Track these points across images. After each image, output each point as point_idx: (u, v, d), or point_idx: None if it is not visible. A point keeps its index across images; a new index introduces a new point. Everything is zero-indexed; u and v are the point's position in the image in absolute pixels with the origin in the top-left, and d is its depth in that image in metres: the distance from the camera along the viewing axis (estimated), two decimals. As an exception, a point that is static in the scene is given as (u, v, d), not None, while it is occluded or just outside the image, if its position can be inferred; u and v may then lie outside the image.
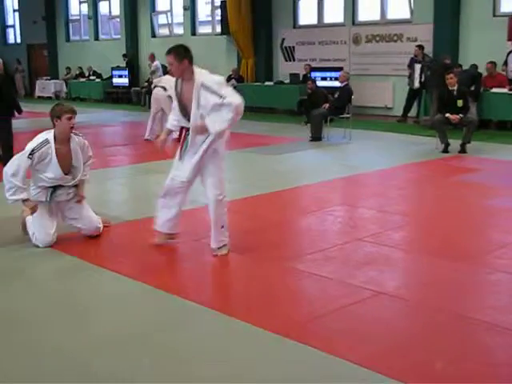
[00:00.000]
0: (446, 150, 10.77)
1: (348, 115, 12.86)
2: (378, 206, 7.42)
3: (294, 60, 18.89)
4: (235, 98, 5.26)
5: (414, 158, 10.49)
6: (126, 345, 3.99)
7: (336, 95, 13.09)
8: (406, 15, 16.35)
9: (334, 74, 16.25)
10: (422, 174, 9.53)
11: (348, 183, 8.91)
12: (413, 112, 15.56)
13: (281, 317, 4.36)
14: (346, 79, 13.03)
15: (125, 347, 3.96)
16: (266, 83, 18.42)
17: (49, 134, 5.83)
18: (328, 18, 18.25)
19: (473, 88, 13.35)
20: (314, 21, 18.54)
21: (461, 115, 10.81)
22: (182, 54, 5.40)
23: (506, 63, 13.96)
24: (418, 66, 14.95)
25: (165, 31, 22.94)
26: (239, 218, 7.24)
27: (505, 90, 13.37)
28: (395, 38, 16.44)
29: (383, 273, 5.22)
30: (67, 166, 5.94)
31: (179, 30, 22.19)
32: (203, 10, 21.62)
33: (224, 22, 19.41)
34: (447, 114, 10.83)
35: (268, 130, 14.57)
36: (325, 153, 11.60)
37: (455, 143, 10.80)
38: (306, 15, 18.78)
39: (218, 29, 20.29)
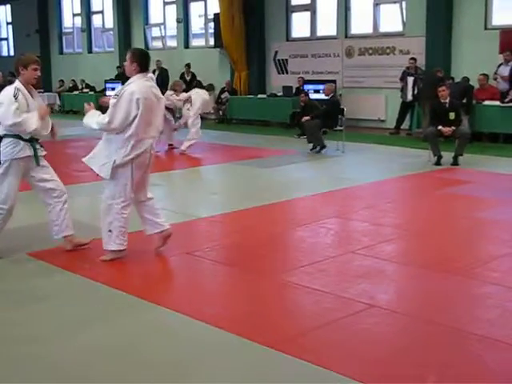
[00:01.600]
0: (438, 163, 10.80)
1: (341, 127, 12.89)
2: (370, 219, 7.43)
3: (287, 73, 18.93)
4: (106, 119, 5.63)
5: (406, 171, 10.50)
6: (116, 356, 3.99)
7: (323, 108, 13.12)
8: (399, 28, 16.43)
9: (327, 87, 16.26)
10: (415, 186, 9.56)
11: (341, 196, 8.90)
12: (405, 124, 15.62)
13: (272, 330, 4.35)
14: (331, 92, 13.07)
15: (114, 358, 3.96)
16: (259, 96, 18.44)
17: (15, 84, 5.95)
18: (321, 31, 18.32)
19: (465, 101, 13.39)
20: (306, 34, 18.60)
21: (453, 128, 10.84)
22: (135, 57, 5.76)
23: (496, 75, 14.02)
24: (410, 79, 15.02)
25: (158, 44, 22.98)
26: (232, 230, 7.25)
27: (497, 103, 13.44)
28: (388, 50, 16.51)
29: (376, 286, 5.22)
30: None
31: (172, 43, 22.25)
32: (196, 23, 21.68)
33: (217, 34, 19.47)
34: (439, 127, 10.87)
35: (261, 142, 14.58)
36: (318, 165, 11.62)
37: (448, 156, 10.84)
38: (299, 28, 18.85)
39: (211, 42, 20.33)
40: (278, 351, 3.99)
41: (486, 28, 14.72)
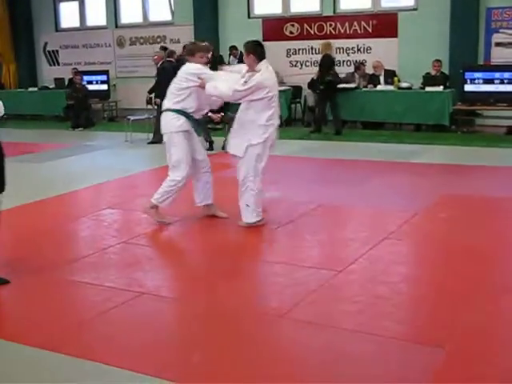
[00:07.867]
0: (210, 148, 11.16)
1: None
2: (143, 207, 7.51)
3: (58, 64, 18.49)
4: None
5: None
6: None
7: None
8: (168, 17, 16.67)
9: (99, 78, 16.17)
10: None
11: (117, 186, 8.93)
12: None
13: (42, 329, 4.30)
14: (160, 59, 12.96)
15: None
16: (30, 89, 17.78)
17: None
18: (91, 21, 18.09)
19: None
20: (76, 24, 18.28)
21: (222, 114, 11.23)
22: (248, 49, 6.32)
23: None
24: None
25: None
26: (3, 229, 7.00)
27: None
28: (158, 39, 16.71)
29: (146, 273, 5.33)
30: None
31: None
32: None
33: (-20, 26, 18.52)
34: (209, 113, 11.20)
35: (35, 137, 14.13)
36: (96, 157, 11.49)
37: (220, 141, 11.24)
38: (69, 18, 18.47)
39: (-26, 33, 19.28)
40: (45, 350, 3.97)
41: (249, 17, 15.41)
